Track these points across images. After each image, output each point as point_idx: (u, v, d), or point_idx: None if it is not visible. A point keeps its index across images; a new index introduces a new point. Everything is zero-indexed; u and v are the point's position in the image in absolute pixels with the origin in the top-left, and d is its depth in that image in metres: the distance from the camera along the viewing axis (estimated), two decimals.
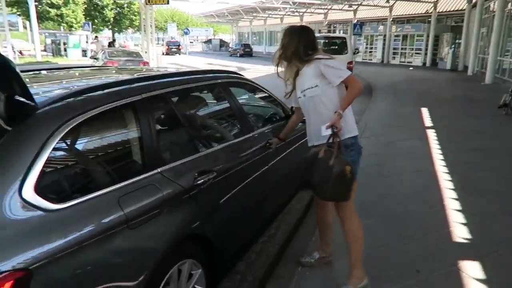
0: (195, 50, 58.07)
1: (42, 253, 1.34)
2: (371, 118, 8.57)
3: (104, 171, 1.82)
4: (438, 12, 26.16)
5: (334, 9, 34.61)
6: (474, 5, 20.96)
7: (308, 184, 2.39)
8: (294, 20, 42.90)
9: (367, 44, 32.89)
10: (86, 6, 39.00)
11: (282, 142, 3.04)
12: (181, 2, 66.42)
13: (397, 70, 23.07)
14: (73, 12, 36.24)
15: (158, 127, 2.09)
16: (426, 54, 26.73)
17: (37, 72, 2.69)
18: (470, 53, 20.43)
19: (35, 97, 1.55)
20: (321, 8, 35.48)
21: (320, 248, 2.88)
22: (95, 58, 16.89)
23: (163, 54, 32.74)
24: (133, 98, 1.96)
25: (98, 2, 41.07)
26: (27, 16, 26.48)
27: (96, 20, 41.08)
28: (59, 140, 1.56)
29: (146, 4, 20.14)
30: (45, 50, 31.60)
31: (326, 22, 37.88)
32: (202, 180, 2.13)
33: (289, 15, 41.48)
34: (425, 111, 9.31)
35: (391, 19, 29.79)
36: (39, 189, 1.44)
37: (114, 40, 35.23)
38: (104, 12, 41.65)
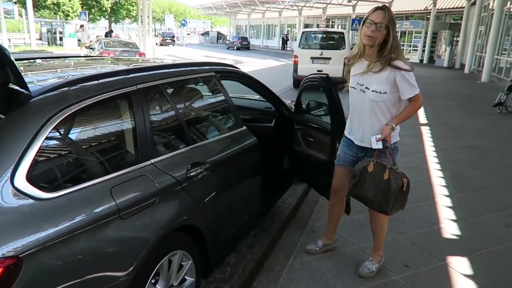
0: (192, 42, 57.73)
1: (33, 242, 1.35)
2: None
3: (97, 161, 1.82)
4: (438, 9, 26.13)
5: (333, 4, 34.40)
6: (474, 3, 20.99)
7: (359, 196, 2.49)
8: (293, 14, 42.75)
9: None
10: None
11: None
12: None
13: None
14: (69, 1, 35.82)
15: (152, 118, 2.09)
16: (423, 51, 26.72)
17: (32, 60, 2.68)
18: (467, 51, 20.48)
19: (29, 85, 1.54)
20: (320, 3, 35.28)
21: (325, 236, 2.99)
22: (91, 48, 16.74)
23: (156, 44, 33.60)
24: (128, 88, 1.95)
25: None
26: (23, 4, 26.18)
27: (93, 10, 40.63)
28: (52, 129, 1.56)
29: None
30: (40, 39, 31.12)
31: (325, 17, 37.74)
32: (195, 172, 2.14)
33: (287, 9, 41.27)
34: (420, 108, 9.33)
35: None
36: (31, 177, 1.44)
37: (111, 31, 34.72)
38: (101, 1, 41.20)
